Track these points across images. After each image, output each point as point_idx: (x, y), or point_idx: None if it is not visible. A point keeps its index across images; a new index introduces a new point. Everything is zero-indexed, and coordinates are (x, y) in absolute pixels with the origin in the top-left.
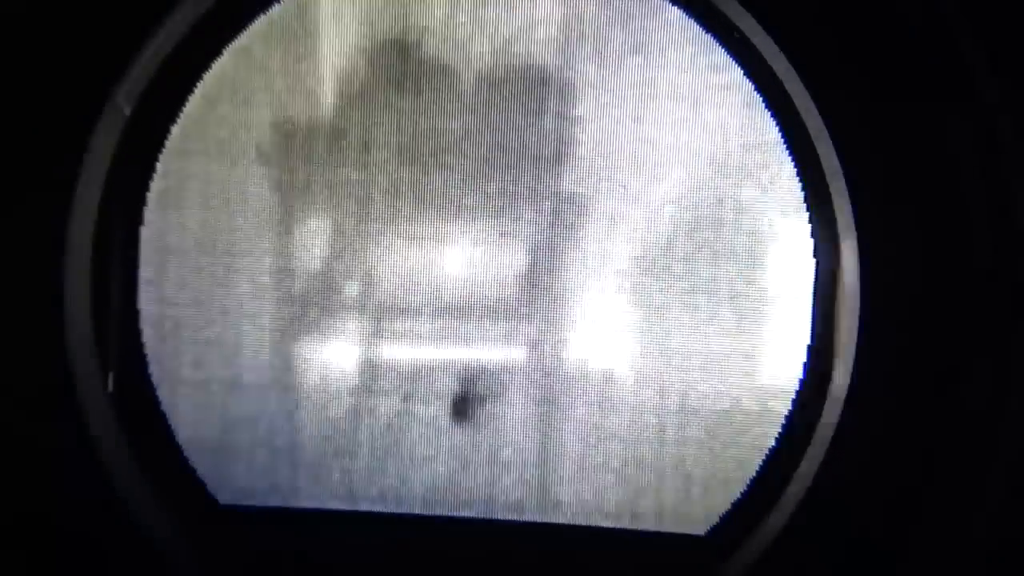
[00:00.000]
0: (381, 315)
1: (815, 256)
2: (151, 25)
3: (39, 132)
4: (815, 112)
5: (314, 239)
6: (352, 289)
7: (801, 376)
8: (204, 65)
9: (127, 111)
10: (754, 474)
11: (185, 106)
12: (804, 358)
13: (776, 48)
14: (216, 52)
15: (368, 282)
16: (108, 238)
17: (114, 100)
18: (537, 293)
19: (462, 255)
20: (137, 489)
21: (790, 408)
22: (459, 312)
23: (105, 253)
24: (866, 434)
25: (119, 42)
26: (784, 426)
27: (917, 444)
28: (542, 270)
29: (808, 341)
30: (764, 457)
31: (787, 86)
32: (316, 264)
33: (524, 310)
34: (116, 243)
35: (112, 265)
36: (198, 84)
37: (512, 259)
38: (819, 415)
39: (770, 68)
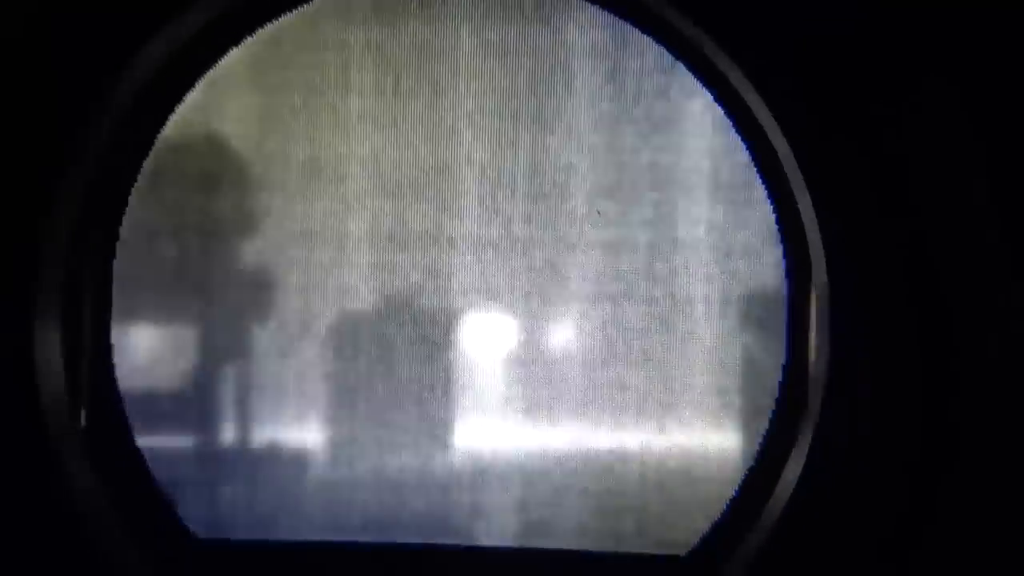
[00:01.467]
0: None
1: (787, 277)
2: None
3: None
4: (780, 136)
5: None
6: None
7: (778, 395)
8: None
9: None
10: (733, 494)
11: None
12: (780, 378)
13: (741, 74)
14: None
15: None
16: (81, 270)
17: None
18: None
19: None
20: (111, 524)
21: (767, 427)
22: None
23: (77, 284)
24: (843, 450)
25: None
26: (761, 445)
27: (893, 461)
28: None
29: (783, 360)
30: (743, 477)
31: (753, 109)
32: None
33: None
34: (88, 275)
35: (85, 298)
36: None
37: None
38: (796, 434)
39: (737, 93)
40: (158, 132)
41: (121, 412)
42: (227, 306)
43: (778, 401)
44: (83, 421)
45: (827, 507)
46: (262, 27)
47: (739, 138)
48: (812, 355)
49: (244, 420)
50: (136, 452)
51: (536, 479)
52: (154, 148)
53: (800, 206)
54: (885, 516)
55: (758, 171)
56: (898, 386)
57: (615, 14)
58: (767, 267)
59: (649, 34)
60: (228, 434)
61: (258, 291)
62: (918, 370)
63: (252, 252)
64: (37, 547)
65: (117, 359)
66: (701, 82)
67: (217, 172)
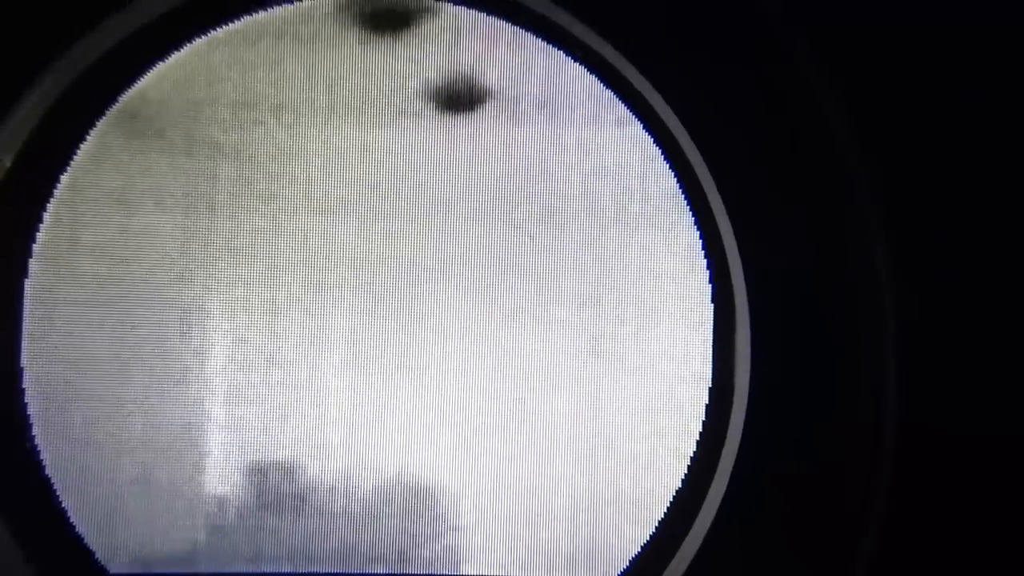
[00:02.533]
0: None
1: (712, 301)
2: (37, 69)
3: None
4: (704, 165)
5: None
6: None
7: (703, 418)
8: (93, 118)
9: (7, 162)
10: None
11: (73, 158)
12: (705, 402)
13: (667, 106)
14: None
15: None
16: None
17: None
18: None
19: None
20: (15, 558)
21: (694, 449)
22: None
23: None
24: (766, 473)
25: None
26: (689, 465)
27: (817, 480)
28: None
29: (708, 384)
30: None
31: (679, 141)
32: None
33: None
34: None
35: None
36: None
37: None
38: (719, 456)
39: (664, 124)
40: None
41: (30, 438)
42: None
43: (704, 423)
44: None
45: (751, 528)
46: None
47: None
48: (736, 377)
49: None
50: (45, 482)
51: None
52: None
53: (721, 230)
54: (812, 535)
55: (684, 197)
56: (818, 404)
57: (545, 41)
58: None
59: (579, 62)
60: None
61: None
62: (834, 387)
63: None
64: None
65: None
66: (630, 110)
67: None
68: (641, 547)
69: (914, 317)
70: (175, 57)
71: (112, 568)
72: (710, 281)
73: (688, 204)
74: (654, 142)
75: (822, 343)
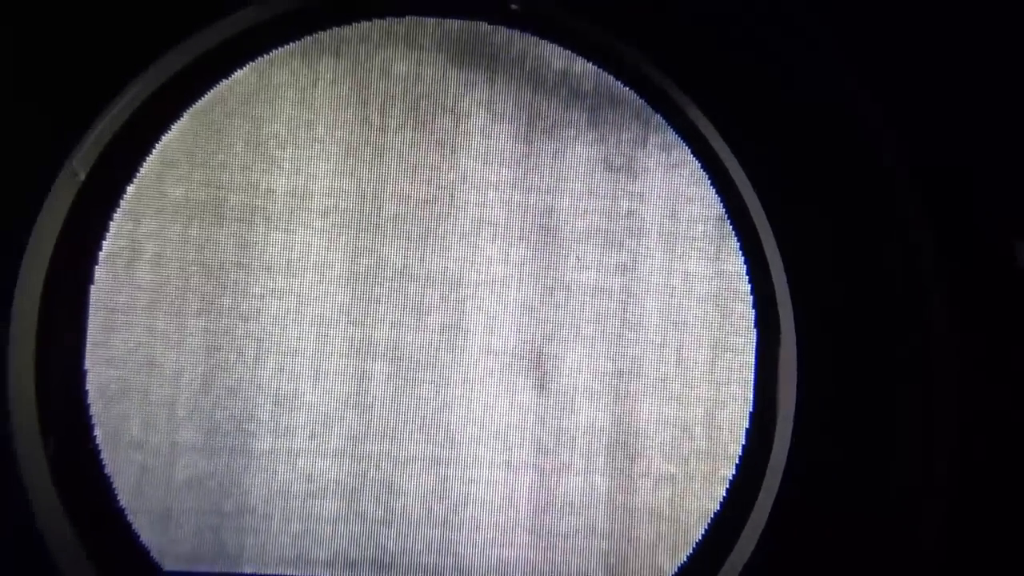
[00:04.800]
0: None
1: (756, 326)
2: (108, 95)
3: None
4: (752, 193)
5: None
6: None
7: (744, 441)
8: (160, 131)
9: (82, 175)
10: (699, 537)
11: (140, 168)
12: (747, 425)
13: (715, 131)
14: (173, 119)
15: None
16: (56, 296)
17: (69, 165)
18: None
19: None
20: (76, 556)
21: (733, 473)
22: None
23: (52, 311)
24: (809, 498)
25: (76, 111)
26: (728, 488)
27: (859, 511)
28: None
29: (750, 408)
30: (709, 521)
31: (727, 165)
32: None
33: None
34: (64, 302)
35: (59, 323)
36: (152, 150)
37: None
38: (761, 480)
39: (712, 149)
40: (140, 162)
41: (91, 440)
42: None
43: (744, 447)
44: (52, 448)
45: (792, 555)
46: None
47: (714, 191)
48: (779, 403)
49: None
50: (105, 481)
51: None
52: None
53: (768, 255)
54: (849, 563)
55: (730, 223)
56: (864, 435)
57: (598, 66)
58: None
59: (630, 87)
60: None
61: None
62: (885, 418)
63: None
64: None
65: None
66: (679, 136)
67: None
68: (678, 567)
69: (963, 343)
70: (237, 75)
71: (165, 566)
72: (754, 307)
73: (734, 229)
74: (702, 167)
75: (870, 374)
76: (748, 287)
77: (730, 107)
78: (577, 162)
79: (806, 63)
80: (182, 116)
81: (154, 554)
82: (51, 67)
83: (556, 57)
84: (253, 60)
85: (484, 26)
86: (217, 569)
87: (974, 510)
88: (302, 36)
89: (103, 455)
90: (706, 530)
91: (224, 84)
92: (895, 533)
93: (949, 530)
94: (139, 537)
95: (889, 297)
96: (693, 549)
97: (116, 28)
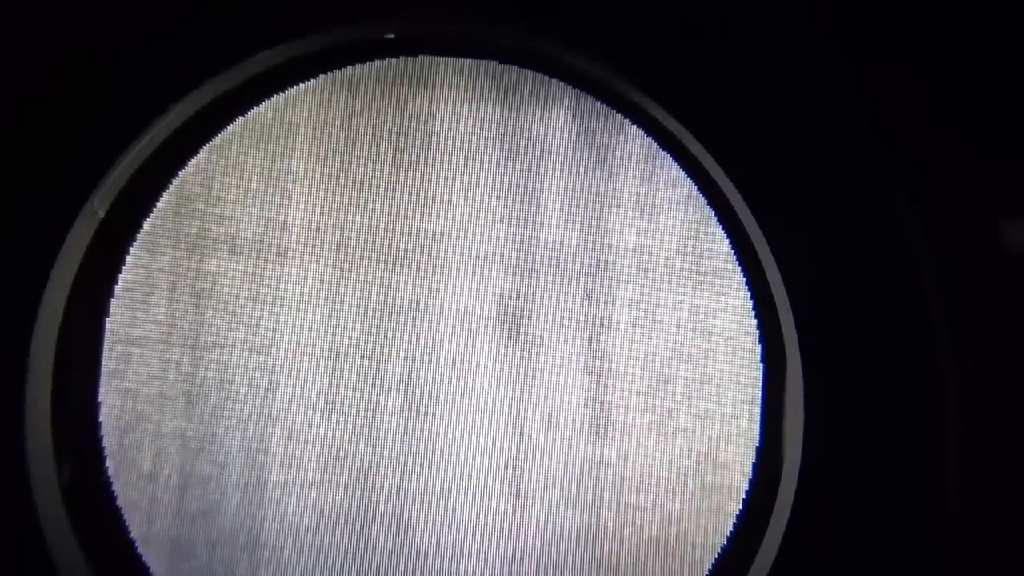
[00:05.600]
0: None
1: (762, 360)
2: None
3: (19, 228)
4: (758, 230)
5: None
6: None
7: (751, 476)
8: (177, 169)
9: (101, 213)
10: (707, 572)
11: (156, 205)
12: (753, 459)
13: (720, 170)
14: (190, 156)
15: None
16: (73, 328)
17: (90, 204)
18: None
19: None
20: None
21: (740, 508)
22: None
23: (69, 342)
24: (817, 533)
25: (98, 152)
26: (735, 523)
27: (867, 548)
28: None
29: (757, 443)
30: (716, 555)
31: (732, 202)
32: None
33: None
34: (80, 333)
35: (75, 355)
36: (170, 186)
37: None
38: (769, 515)
39: (718, 186)
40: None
41: (103, 470)
42: None
43: (751, 482)
44: (66, 475)
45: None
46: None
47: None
48: (786, 437)
49: None
50: (116, 512)
51: None
52: None
53: (774, 290)
54: None
55: (736, 258)
56: (874, 468)
57: (607, 105)
58: None
59: (639, 125)
60: None
61: None
62: (895, 451)
63: None
64: None
65: None
66: (685, 172)
67: None
68: None
69: (972, 380)
70: (252, 113)
71: None
72: (760, 341)
73: (740, 264)
74: (708, 203)
75: (877, 408)
76: (755, 322)
77: (734, 144)
78: (587, 198)
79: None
80: (199, 152)
81: None
82: (74, 112)
83: (565, 95)
84: (269, 98)
85: (495, 64)
86: None
87: (990, 538)
88: (317, 75)
89: (115, 486)
90: (713, 566)
91: (240, 121)
92: (908, 566)
93: (964, 557)
94: (149, 570)
95: (897, 331)
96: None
97: (138, 71)
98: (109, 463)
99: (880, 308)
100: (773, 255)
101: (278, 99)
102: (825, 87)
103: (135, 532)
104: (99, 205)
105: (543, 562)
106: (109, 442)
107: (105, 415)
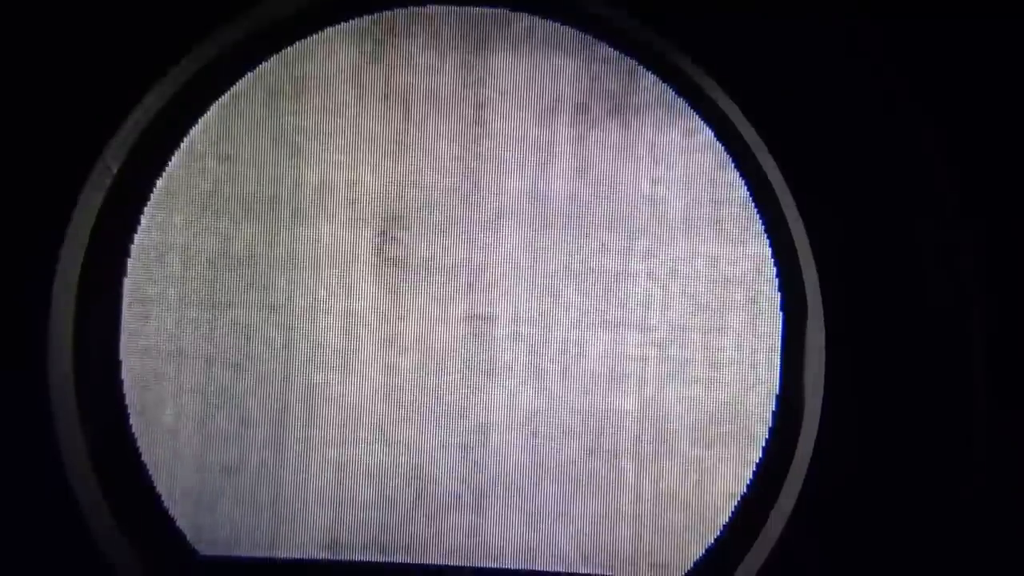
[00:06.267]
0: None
1: (782, 308)
2: (140, 91)
3: (33, 188)
4: (779, 174)
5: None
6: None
7: (771, 424)
8: (188, 125)
9: (114, 169)
10: (727, 521)
11: (169, 162)
12: (773, 407)
13: (742, 115)
14: (200, 112)
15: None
16: (91, 288)
17: (103, 159)
18: None
19: None
20: (115, 539)
21: (759, 456)
22: None
23: (88, 302)
24: (836, 482)
25: (109, 107)
26: (755, 472)
27: (885, 495)
28: None
29: (777, 391)
30: (735, 505)
31: (751, 147)
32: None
33: None
34: (99, 292)
35: (94, 314)
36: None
37: None
38: (789, 463)
39: (737, 131)
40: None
41: (127, 427)
42: None
43: (771, 430)
44: (90, 435)
45: (821, 539)
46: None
47: (738, 174)
48: (807, 385)
49: None
50: (142, 467)
51: None
52: None
53: (795, 237)
54: (879, 549)
55: (755, 205)
56: (894, 417)
57: (624, 53)
58: None
59: (654, 72)
60: None
61: None
62: (917, 400)
63: None
64: (41, 558)
65: None
66: (702, 119)
67: None
68: (706, 550)
69: (1000, 328)
70: (263, 66)
71: (201, 550)
72: (780, 289)
73: (759, 212)
74: (725, 150)
75: (900, 356)
76: (774, 270)
77: (755, 87)
78: (600, 148)
79: (836, 41)
80: (209, 110)
81: (190, 538)
82: (84, 66)
83: (578, 43)
84: (277, 52)
85: (506, 12)
86: (252, 555)
87: (1012, 494)
88: (326, 27)
89: (139, 442)
90: (733, 514)
91: (249, 76)
92: (928, 517)
93: (985, 513)
94: (175, 522)
95: (921, 279)
96: (720, 532)
97: (145, 25)
98: (132, 420)
99: (905, 255)
100: (795, 200)
101: (286, 53)
102: (852, 29)
103: (161, 487)
104: (111, 160)
105: (561, 514)
106: (131, 400)
107: (126, 374)
